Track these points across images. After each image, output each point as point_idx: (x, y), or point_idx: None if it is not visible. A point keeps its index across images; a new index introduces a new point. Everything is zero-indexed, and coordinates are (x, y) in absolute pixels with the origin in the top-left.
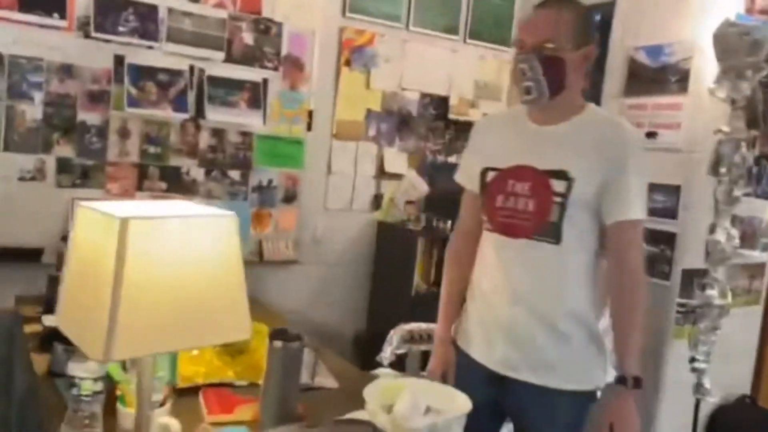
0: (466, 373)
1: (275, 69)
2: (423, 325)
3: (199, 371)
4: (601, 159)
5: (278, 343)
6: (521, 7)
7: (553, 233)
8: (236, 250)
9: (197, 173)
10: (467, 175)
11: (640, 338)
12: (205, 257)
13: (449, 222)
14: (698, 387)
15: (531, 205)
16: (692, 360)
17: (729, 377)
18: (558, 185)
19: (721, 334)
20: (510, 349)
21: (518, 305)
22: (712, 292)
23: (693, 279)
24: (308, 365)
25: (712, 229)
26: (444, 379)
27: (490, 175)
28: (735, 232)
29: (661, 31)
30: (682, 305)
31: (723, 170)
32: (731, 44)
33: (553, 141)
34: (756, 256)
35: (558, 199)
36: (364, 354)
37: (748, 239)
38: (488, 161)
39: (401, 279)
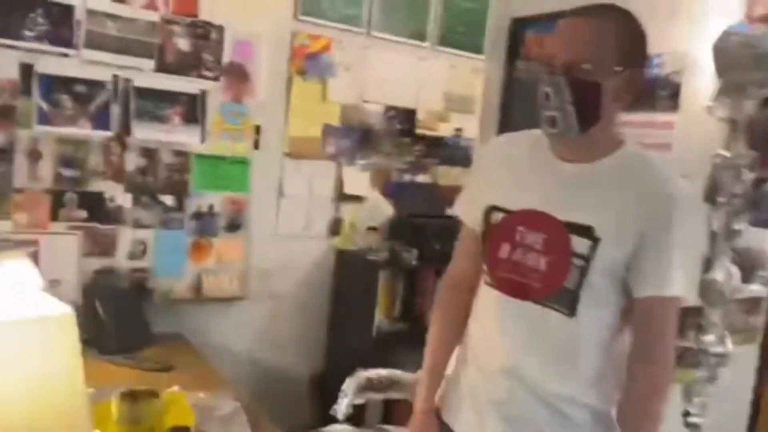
0: None
1: (215, 79)
2: (383, 372)
3: None
4: (638, 218)
5: None
6: (495, 12)
7: (567, 302)
8: (72, 362)
9: (124, 199)
10: (468, 211)
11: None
12: (26, 376)
13: (414, 251)
14: None
15: (543, 264)
16: (686, 414)
17: (723, 420)
18: (580, 244)
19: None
20: (504, 427)
21: (517, 379)
22: (709, 338)
23: (687, 317)
24: None
25: (707, 266)
26: None
27: (496, 216)
28: (735, 271)
29: (650, 40)
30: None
31: (722, 199)
32: (733, 57)
33: (578, 185)
34: (755, 290)
35: (578, 262)
36: (323, 398)
37: (746, 272)
38: (495, 198)
39: (362, 315)
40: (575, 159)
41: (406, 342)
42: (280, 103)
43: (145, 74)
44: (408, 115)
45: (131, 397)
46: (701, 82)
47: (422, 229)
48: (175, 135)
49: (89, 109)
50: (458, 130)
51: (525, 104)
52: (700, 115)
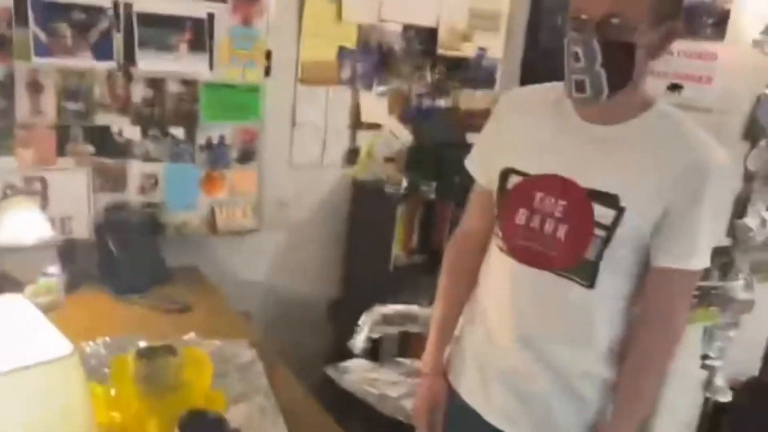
0: (457, 419)
1: (223, 0)
2: (399, 307)
3: (114, 420)
4: (667, 187)
5: None
6: None
7: (586, 273)
8: (77, 404)
9: (132, 132)
10: (483, 169)
11: (649, 406)
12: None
13: (433, 184)
14: (709, 385)
15: (562, 233)
16: (704, 357)
17: (738, 359)
18: (603, 214)
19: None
20: (511, 398)
21: (527, 350)
22: (737, 284)
23: (714, 258)
24: None
25: (741, 212)
26: (430, 424)
27: (514, 179)
28: None
29: None
30: (697, 288)
31: (763, 142)
32: None
33: (603, 149)
34: None
35: (600, 233)
36: (341, 326)
37: None
38: (513, 160)
39: (379, 249)
40: (601, 120)
41: (423, 273)
42: (292, 24)
43: None
44: (429, 35)
45: (148, 355)
46: (752, 13)
47: (442, 160)
48: (182, 63)
49: (89, 38)
50: (482, 49)
51: (553, 24)
52: (747, 49)
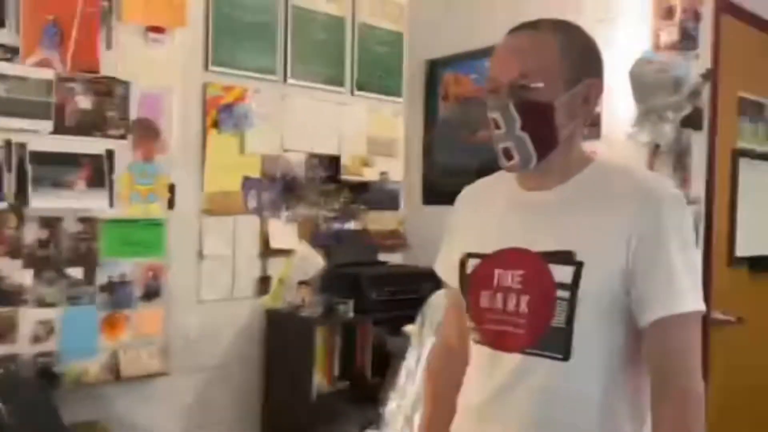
0: None
1: (122, 137)
2: None
3: None
4: (622, 228)
5: None
6: (409, 55)
7: (559, 345)
8: None
9: (23, 276)
10: (447, 268)
11: None
12: None
13: (350, 302)
14: None
15: (524, 304)
16: None
17: None
18: (561, 273)
19: None
20: None
21: None
22: None
23: None
24: None
25: None
26: None
27: (472, 263)
28: None
29: None
30: None
31: None
32: (650, 83)
33: (551, 212)
34: None
35: (563, 294)
36: None
37: None
38: (468, 246)
39: (299, 378)
40: (545, 186)
41: (347, 401)
42: (195, 158)
43: (42, 137)
44: (332, 162)
45: None
46: (621, 112)
47: (356, 279)
48: (80, 201)
49: None
50: (383, 173)
51: (447, 143)
52: (621, 142)
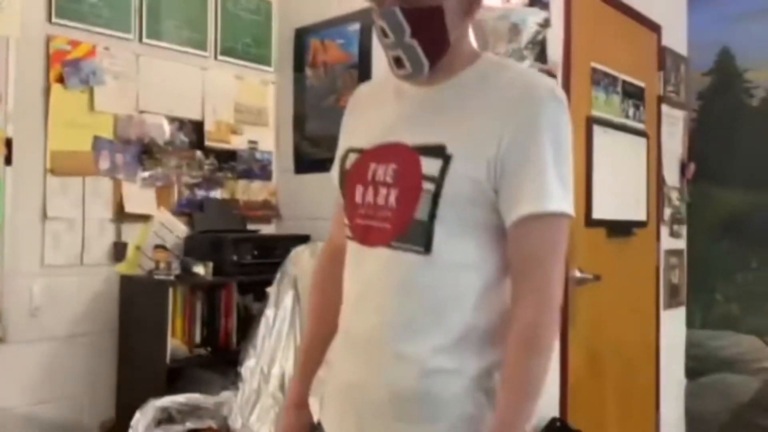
0: None
1: None
2: (180, 398)
3: None
4: (495, 122)
5: None
6: (278, 24)
7: (420, 237)
8: None
9: None
10: (334, 169)
11: (538, 397)
12: None
13: (210, 264)
14: None
15: (393, 198)
16: None
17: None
18: (430, 166)
19: None
20: (362, 417)
21: (373, 349)
22: None
23: None
24: None
25: None
26: None
27: (351, 158)
28: None
29: None
30: None
31: None
32: (490, 29)
33: (431, 106)
34: None
35: (428, 186)
36: None
37: None
38: (352, 141)
39: (153, 344)
40: (429, 83)
41: (208, 368)
42: (37, 113)
43: None
44: (196, 127)
45: None
46: None
47: (219, 243)
48: None
49: None
50: (252, 142)
51: (318, 112)
52: None
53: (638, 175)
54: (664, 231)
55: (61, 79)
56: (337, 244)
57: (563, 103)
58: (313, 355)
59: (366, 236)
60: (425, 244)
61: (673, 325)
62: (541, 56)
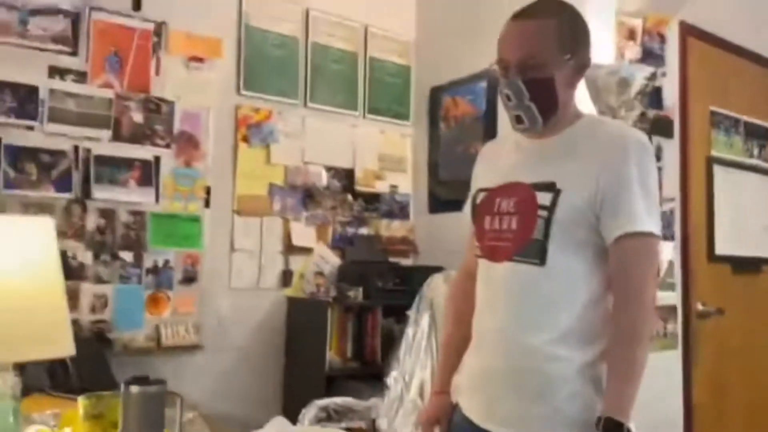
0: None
1: (167, 146)
2: (338, 400)
3: None
4: (594, 165)
5: (135, 389)
6: (416, 83)
7: (537, 252)
8: (54, 258)
9: (84, 257)
10: (467, 206)
11: (638, 383)
12: (16, 266)
13: (360, 289)
14: None
15: (515, 223)
16: None
17: (659, 422)
18: (543, 198)
19: (642, 384)
20: (492, 391)
21: (501, 340)
22: None
23: None
24: (173, 420)
25: None
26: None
27: (480, 196)
28: None
29: None
30: None
31: None
32: (602, 84)
33: (544, 154)
34: (667, 296)
35: (543, 213)
36: None
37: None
38: (481, 183)
39: (314, 355)
40: (543, 136)
41: (358, 380)
42: (228, 166)
43: (102, 144)
44: (347, 174)
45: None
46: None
47: (366, 271)
48: (131, 196)
49: (52, 175)
50: (393, 186)
51: (448, 158)
52: None
53: (766, 212)
54: None
55: (245, 139)
56: (470, 266)
57: (648, 149)
58: (450, 353)
59: (493, 254)
60: (541, 258)
61: None
62: (657, 103)
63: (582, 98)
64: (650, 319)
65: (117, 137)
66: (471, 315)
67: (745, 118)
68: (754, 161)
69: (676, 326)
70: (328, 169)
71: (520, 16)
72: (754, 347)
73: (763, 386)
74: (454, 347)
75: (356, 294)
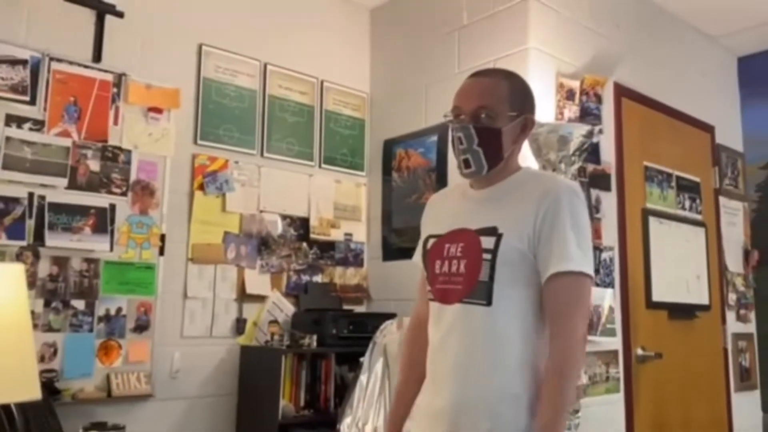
0: None
1: (123, 194)
2: None
3: None
4: (531, 211)
5: None
6: (370, 136)
7: (484, 294)
8: (23, 303)
9: (35, 305)
10: (417, 254)
11: (565, 412)
12: None
13: (314, 336)
14: None
15: (463, 267)
16: None
17: None
18: (487, 242)
19: (588, 426)
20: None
21: (452, 381)
22: None
23: None
24: None
25: None
26: None
27: (431, 242)
28: None
29: None
30: None
31: None
32: (543, 141)
33: (487, 202)
34: (609, 341)
35: (487, 257)
36: None
37: (592, 326)
38: (431, 230)
39: (267, 404)
40: (486, 186)
41: (312, 429)
42: (183, 214)
43: (58, 191)
44: (303, 223)
45: None
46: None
47: (320, 318)
48: (85, 243)
49: (5, 222)
50: (348, 235)
51: (402, 208)
52: None
53: (698, 261)
54: (730, 315)
55: (201, 187)
56: (421, 314)
57: (579, 194)
58: (404, 395)
59: (444, 297)
60: (488, 298)
61: (747, 407)
62: (595, 158)
63: (525, 154)
64: (580, 354)
65: (73, 185)
66: (424, 360)
67: (676, 172)
68: (686, 213)
69: (619, 370)
70: (284, 217)
71: (477, 74)
72: (691, 389)
73: (701, 429)
74: (407, 392)
75: (310, 341)
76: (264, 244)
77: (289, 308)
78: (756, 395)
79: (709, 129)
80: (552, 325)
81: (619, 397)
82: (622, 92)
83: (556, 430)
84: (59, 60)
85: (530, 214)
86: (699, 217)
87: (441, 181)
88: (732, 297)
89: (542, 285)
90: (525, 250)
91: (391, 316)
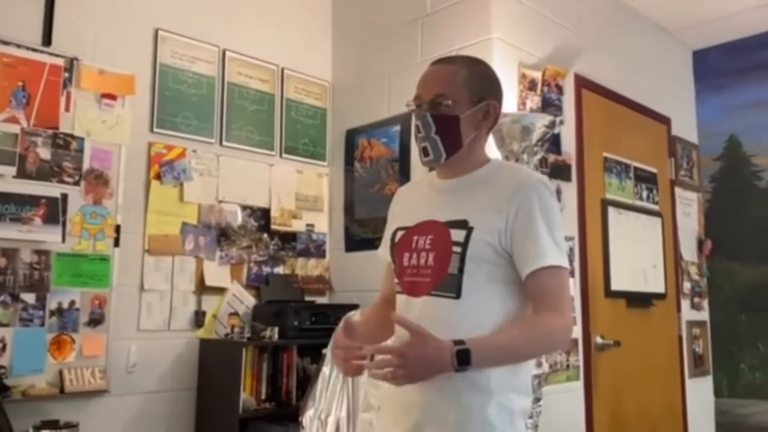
0: None
1: (76, 184)
2: None
3: None
4: (502, 205)
5: None
6: (332, 126)
7: (453, 287)
8: None
9: None
10: (383, 246)
11: (512, 357)
12: None
13: (276, 328)
14: None
15: (431, 259)
16: None
17: None
18: (457, 235)
19: (550, 413)
20: (409, 426)
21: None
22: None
23: None
24: None
25: None
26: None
27: (399, 234)
28: None
29: None
30: None
31: None
32: (506, 131)
33: (456, 193)
34: None
35: (457, 249)
36: None
37: None
38: (398, 222)
39: (227, 398)
40: (454, 177)
41: (273, 422)
42: (139, 204)
43: (6, 180)
44: (263, 214)
45: None
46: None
47: (282, 310)
48: (35, 234)
49: None
50: (310, 225)
51: (365, 199)
52: None
53: (655, 251)
54: (685, 303)
55: (158, 177)
56: (386, 294)
57: (550, 188)
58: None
59: (412, 290)
60: (456, 291)
61: (701, 393)
62: (556, 149)
63: (488, 144)
64: (567, 334)
65: (22, 174)
66: (382, 328)
67: (634, 163)
68: (644, 203)
69: (578, 359)
70: (244, 207)
71: (438, 62)
72: (647, 376)
73: (657, 415)
74: (365, 323)
75: (272, 333)
76: (223, 235)
77: (249, 300)
78: (709, 381)
79: (665, 121)
80: (544, 309)
81: (579, 385)
82: (582, 84)
83: (488, 353)
84: (6, 43)
85: (502, 209)
86: (656, 207)
87: (404, 171)
88: (687, 285)
89: (522, 282)
90: (496, 245)
91: (353, 307)
